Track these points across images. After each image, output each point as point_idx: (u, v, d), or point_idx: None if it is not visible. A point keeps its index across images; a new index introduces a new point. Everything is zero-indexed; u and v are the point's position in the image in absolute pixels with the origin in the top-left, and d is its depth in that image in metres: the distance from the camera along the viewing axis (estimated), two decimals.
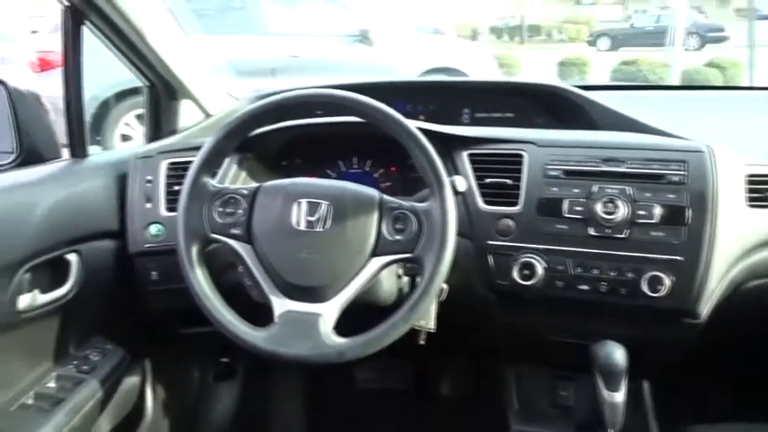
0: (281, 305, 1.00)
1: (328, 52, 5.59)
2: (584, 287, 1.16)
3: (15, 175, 1.22)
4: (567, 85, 1.55)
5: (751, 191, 1.19)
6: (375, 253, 0.99)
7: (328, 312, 0.98)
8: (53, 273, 1.20)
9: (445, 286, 1.13)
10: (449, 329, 1.17)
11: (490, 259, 1.21)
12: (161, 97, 1.56)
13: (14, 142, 1.28)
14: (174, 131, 1.58)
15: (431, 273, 0.95)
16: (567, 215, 1.16)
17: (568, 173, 1.19)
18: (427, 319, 1.16)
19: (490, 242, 1.20)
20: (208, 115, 1.65)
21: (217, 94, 1.68)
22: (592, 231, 1.15)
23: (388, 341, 0.96)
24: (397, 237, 0.99)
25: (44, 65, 4.31)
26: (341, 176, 1.43)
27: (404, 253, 0.98)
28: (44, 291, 1.16)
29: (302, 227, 1.01)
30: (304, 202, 1.02)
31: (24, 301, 1.12)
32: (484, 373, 1.72)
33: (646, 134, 1.32)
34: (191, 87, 1.57)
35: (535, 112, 1.58)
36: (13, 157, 1.28)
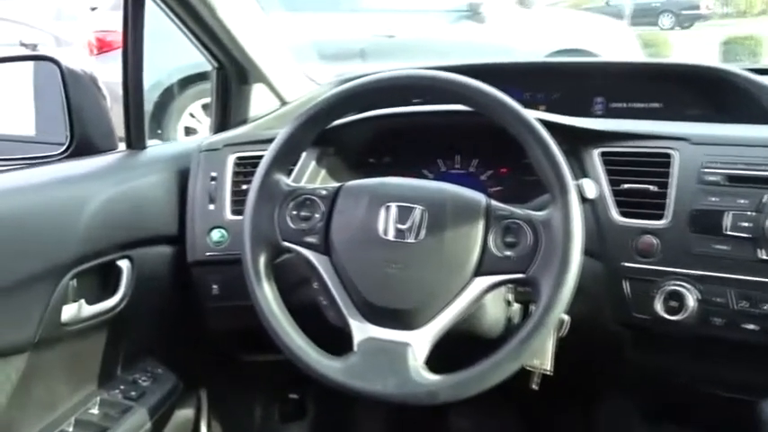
0: (362, 331, 1.01)
1: (430, 31, 5.62)
2: (751, 326, 1.12)
3: (65, 167, 1.30)
4: (733, 67, 1.51)
5: None
6: (479, 271, 0.99)
7: (419, 342, 0.99)
8: (102, 281, 1.27)
9: (566, 318, 1.11)
10: (568, 371, 1.16)
11: (626, 286, 1.19)
12: (231, 81, 1.62)
13: (66, 130, 1.36)
14: (244, 121, 1.64)
15: (548, 299, 0.94)
16: (729, 232, 1.13)
17: (732, 178, 1.16)
18: (542, 357, 1.16)
19: (626, 264, 1.19)
20: (284, 102, 1.70)
21: (295, 79, 1.74)
22: (762, 254, 1.11)
23: (491, 382, 0.95)
24: (508, 252, 0.99)
25: (102, 46, 4.59)
26: (440, 178, 1.44)
27: (515, 273, 0.98)
28: (91, 301, 1.23)
29: (391, 236, 1.02)
30: (394, 206, 1.04)
31: (69, 312, 1.18)
32: (609, 428, 1.68)
33: None
34: (265, 70, 1.62)
35: (689, 101, 1.55)
36: (63, 147, 1.36)
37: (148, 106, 4.30)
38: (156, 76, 4.48)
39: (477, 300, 0.99)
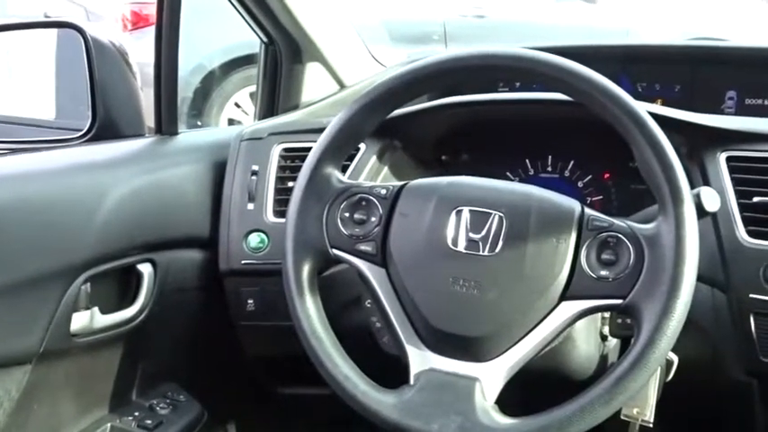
0: (421, 360, 1.02)
1: (528, 12, 5.61)
2: None
3: (83, 152, 1.35)
4: None
5: None
6: (567, 294, 0.99)
7: (490, 377, 0.99)
8: (119, 287, 1.30)
9: (674, 357, 1.10)
10: (675, 425, 1.16)
11: (752, 323, 1.17)
12: (282, 59, 1.66)
13: (88, 110, 1.41)
14: (296, 106, 1.67)
15: (651, 332, 0.93)
16: None
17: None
18: (642, 404, 1.14)
19: (754, 296, 1.17)
20: (343, 86, 1.73)
21: (359, 60, 1.77)
22: None
23: (577, 429, 0.94)
24: (604, 272, 0.98)
25: (138, 20, 4.72)
26: (527, 182, 1.41)
27: (612, 298, 0.97)
28: (105, 310, 1.26)
29: (461, 247, 1.03)
30: (466, 210, 1.04)
31: (79, 320, 1.21)
32: None
33: None
34: (323, 47, 1.66)
35: None
36: (84, 129, 1.41)
37: (188, 92, 4.44)
38: (197, 58, 4.59)
39: (563, 329, 0.99)
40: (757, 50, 1.66)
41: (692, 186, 0.99)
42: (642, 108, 0.99)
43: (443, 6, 5.48)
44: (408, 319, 1.04)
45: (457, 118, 1.40)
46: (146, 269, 1.31)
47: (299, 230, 1.10)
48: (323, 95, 1.69)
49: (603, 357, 1.15)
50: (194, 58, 4.50)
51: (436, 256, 1.03)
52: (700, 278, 0.96)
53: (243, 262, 1.40)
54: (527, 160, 1.46)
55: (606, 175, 1.41)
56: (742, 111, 1.58)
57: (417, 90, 1.12)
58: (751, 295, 1.17)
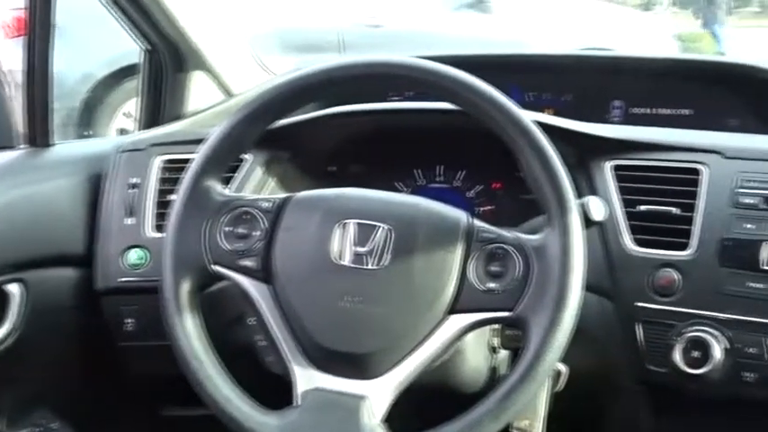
0: (307, 379, 1.00)
1: (425, 21, 5.66)
2: None
3: None
4: None
5: None
6: (455, 308, 0.98)
7: (377, 395, 0.97)
8: None
9: (563, 368, 1.11)
10: None
11: (639, 331, 1.19)
12: (165, 67, 1.62)
13: None
14: (179, 116, 1.64)
15: (539, 344, 0.92)
16: (767, 267, 1.13)
17: None
18: (532, 416, 1.15)
19: (640, 304, 1.19)
20: (230, 95, 1.70)
21: (247, 67, 1.74)
22: None
23: None
24: (492, 284, 0.98)
25: (22, 27, 4.54)
26: (417, 193, 1.43)
27: (500, 310, 0.97)
28: None
29: (347, 261, 1.01)
30: (352, 224, 1.02)
31: None
32: None
33: None
34: (208, 55, 1.62)
35: (728, 109, 1.56)
36: None
37: (76, 102, 4.31)
38: (86, 66, 4.46)
39: (452, 343, 0.98)
40: (642, 60, 1.69)
41: (580, 196, 0.99)
42: (527, 117, 0.99)
43: (338, 15, 5.47)
44: (293, 337, 1.01)
45: (345, 128, 1.39)
46: (15, 289, 1.25)
47: (178, 246, 1.06)
48: (210, 105, 1.66)
49: (494, 370, 1.14)
50: (83, 67, 4.37)
51: (321, 270, 1.01)
52: (588, 288, 0.96)
53: (121, 279, 1.36)
54: (417, 171, 1.45)
55: (496, 185, 1.42)
56: (628, 120, 1.61)
57: (301, 99, 1.10)
58: (638, 303, 1.19)
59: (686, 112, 1.59)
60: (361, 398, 0.97)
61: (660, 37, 6.22)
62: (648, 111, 1.62)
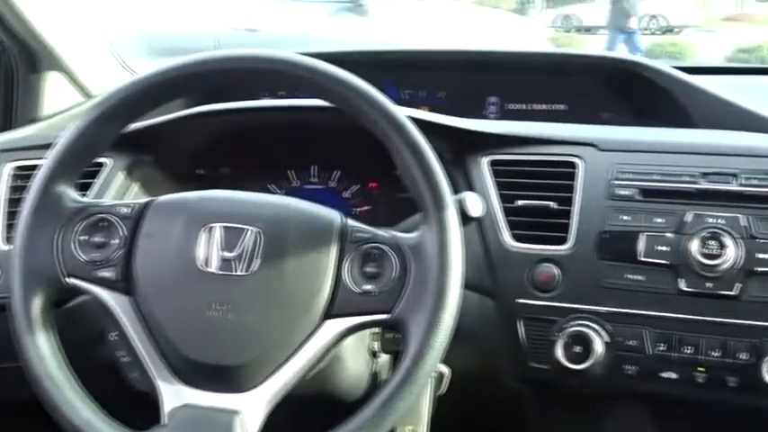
0: (175, 396, 0.96)
1: (303, 25, 5.65)
2: (671, 375, 1.13)
3: None
4: (652, 62, 1.55)
5: None
6: (331, 312, 0.96)
7: (251, 409, 0.94)
8: None
9: (446, 370, 1.10)
10: None
11: (521, 328, 1.19)
12: (17, 68, 1.55)
13: None
14: (33, 120, 1.57)
15: (419, 346, 0.91)
16: (644, 259, 1.15)
17: (648, 192, 1.18)
18: (415, 420, 1.14)
19: (521, 301, 1.19)
20: (89, 96, 1.64)
21: (108, 69, 1.68)
22: (684, 285, 1.13)
23: None
24: (368, 286, 0.96)
25: None
26: (291, 195, 1.37)
27: (378, 313, 0.95)
28: None
29: (214, 268, 0.97)
30: (218, 228, 0.99)
31: None
32: None
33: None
34: (63, 55, 1.56)
35: (601, 103, 1.59)
36: None
37: None
38: None
39: (329, 349, 0.96)
40: (516, 55, 1.71)
41: (457, 192, 0.99)
42: (401, 112, 0.98)
43: (215, 20, 5.40)
44: (159, 351, 0.97)
45: (213, 128, 1.36)
46: None
47: (28, 258, 0.99)
48: (66, 107, 1.60)
49: (375, 375, 1.13)
50: None
51: (187, 279, 0.98)
52: (467, 286, 0.96)
53: None
54: (291, 172, 1.44)
55: (373, 185, 1.42)
56: (504, 115, 1.62)
57: (159, 97, 1.05)
58: (518, 300, 1.19)
59: (561, 107, 1.62)
60: (233, 413, 0.94)
61: (535, 39, 6.38)
62: (524, 106, 1.63)
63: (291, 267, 0.97)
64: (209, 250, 0.98)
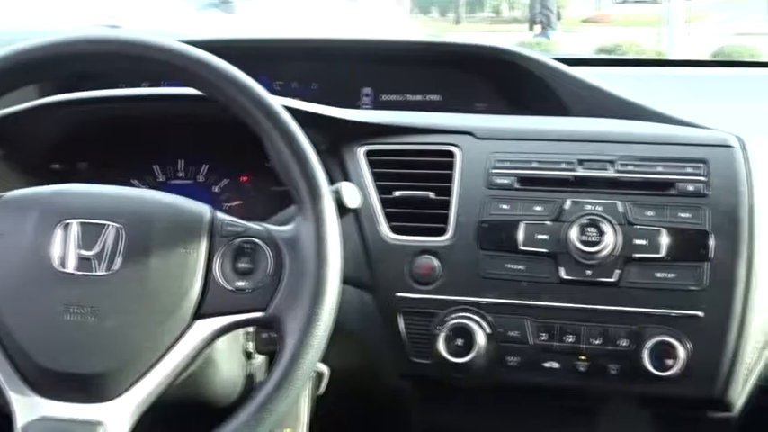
0: (30, 408, 0.91)
1: (168, 21, 5.53)
2: (553, 365, 1.14)
3: None
4: (528, 51, 1.58)
5: None
6: (202, 311, 0.94)
7: (115, 419, 0.90)
8: None
9: (324, 370, 1.10)
10: None
11: (401, 323, 1.19)
12: None
13: None
14: None
15: (296, 345, 0.90)
16: (524, 248, 1.16)
17: (526, 180, 1.19)
18: (293, 423, 1.14)
19: (401, 294, 1.19)
20: None
21: None
22: (564, 274, 1.15)
23: None
24: (241, 283, 0.94)
25: None
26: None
27: (252, 311, 0.94)
28: None
29: (71, 268, 0.93)
30: (75, 224, 0.95)
31: None
32: None
33: (646, 122, 1.34)
34: None
35: (477, 92, 1.60)
36: None
37: None
38: None
39: (200, 351, 0.94)
40: (388, 44, 1.72)
41: (333, 183, 0.99)
42: (275, 100, 0.96)
43: (74, 16, 5.21)
44: (9, 360, 0.92)
45: (69, 119, 1.31)
46: None
47: None
48: None
49: (250, 377, 1.12)
50: None
51: (41, 280, 0.94)
52: (346, 280, 0.95)
53: None
54: (155, 166, 1.39)
55: (244, 178, 1.40)
56: (378, 107, 1.62)
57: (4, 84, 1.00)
58: (398, 294, 1.19)
59: (436, 97, 1.62)
60: (96, 424, 0.90)
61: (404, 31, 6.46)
62: (398, 98, 1.63)
63: (157, 265, 0.94)
64: (65, 249, 0.94)
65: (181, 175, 1.39)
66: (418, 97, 1.63)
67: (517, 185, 1.18)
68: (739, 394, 1.16)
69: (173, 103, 1.25)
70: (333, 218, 0.93)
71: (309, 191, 0.94)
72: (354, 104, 1.62)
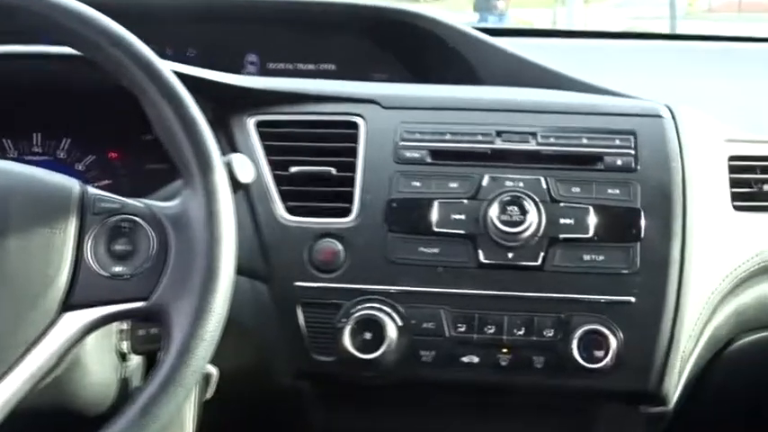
0: None
1: None
2: (472, 359, 1.15)
3: None
4: (433, 12, 1.58)
5: (735, 183, 1.25)
6: (71, 302, 0.90)
7: None
8: None
9: (213, 371, 1.09)
10: None
11: (301, 316, 1.18)
12: None
13: None
14: None
15: (185, 339, 0.86)
16: (439, 229, 1.16)
17: (439, 154, 1.19)
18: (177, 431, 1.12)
19: (300, 284, 1.18)
20: None
21: None
22: (483, 257, 1.15)
23: None
24: (119, 268, 0.92)
25: None
26: None
27: (131, 301, 0.91)
28: None
29: None
30: None
31: None
32: None
33: (569, 92, 1.36)
34: None
35: (375, 60, 1.61)
36: None
37: None
38: None
39: (68, 350, 0.90)
40: (275, 4, 1.69)
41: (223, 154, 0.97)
42: (162, 62, 0.94)
43: None
44: None
45: None
46: None
47: None
48: None
49: (124, 382, 1.11)
50: None
51: None
52: (237, 270, 0.93)
53: None
54: (6, 141, 1.38)
55: (113, 155, 1.38)
56: (265, 76, 1.62)
57: None
58: (296, 283, 1.18)
59: (330, 67, 1.62)
60: None
61: None
62: (287, 66, 1.63)
63: (16, 248, 0.90)
64: None
65: (37, 150, 1.36)
66: (310, 66, 1.63)
67: (429, 159, 1.18)
68: (675, 387, 1.18)
69: (24, 63, 1.23)
70: (226, 191, 0.92)
71: (199, 162, 0.91)
72: (237, 73, 1.56)
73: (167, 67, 0.94)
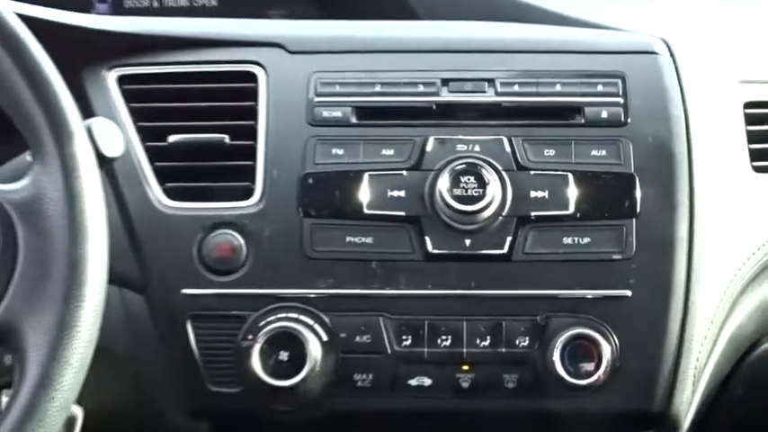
0: None
1: None
2: (423, 381, 1.16)
3: None
4: None
5: (754, 136, 1.25)
6: None
7: None
8: None
9: (77, 411, 1.07)
10: None
11: (191, 333, 1.19)
12: None
13: None
14: None
15: (45, 365, 0.85)
16: (371, 211, 1.16)
17: (367, 111, 1.21)
18: None
19: (187, 291, 1.19)
20: None
21: None
22: (431, 246, 1.16)
23: None
24: None
25: None
26: None
27: None
28: None
29: None
30: None
31: None
32: None
33: (534, 24, 1.36)
34: None
35: None
36: None
37: None
38: None
39: None
40: None
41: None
42: None
43: None
44: None
45: None
46: None
47: None
48: None
49: None
50: None
51: None
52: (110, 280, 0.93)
53: None
54: None
55: None
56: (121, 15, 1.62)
57: None
58: (183, 291, 1.18)
59: (209, 2, 1.62)
60: None
61: None
62: (152, 3, 1.62)
63: None
64: None
65: None
66: (183, 2, 1.62)
67: (354, 120, 1.18)
68: (687, 406, 1.20)
69: None
70: (91, 165, 0.91)
71: (52, 127, 0.91)
72: (85, 11, 1.55)
73: (7, 6, 0.93)
